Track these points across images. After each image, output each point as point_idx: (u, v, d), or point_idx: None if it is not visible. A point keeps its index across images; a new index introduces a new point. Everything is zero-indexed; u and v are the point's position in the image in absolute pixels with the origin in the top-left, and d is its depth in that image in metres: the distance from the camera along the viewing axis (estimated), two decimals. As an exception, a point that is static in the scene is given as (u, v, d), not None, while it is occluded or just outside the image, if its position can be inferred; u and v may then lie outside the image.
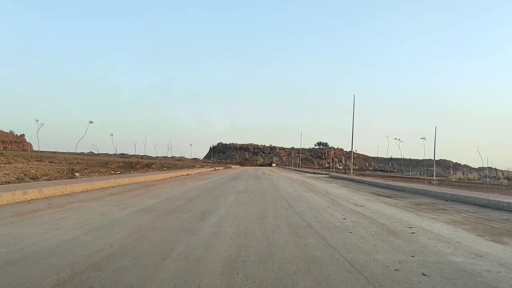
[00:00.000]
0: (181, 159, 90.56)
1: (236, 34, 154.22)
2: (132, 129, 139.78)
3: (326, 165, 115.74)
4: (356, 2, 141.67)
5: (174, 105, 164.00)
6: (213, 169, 34.61)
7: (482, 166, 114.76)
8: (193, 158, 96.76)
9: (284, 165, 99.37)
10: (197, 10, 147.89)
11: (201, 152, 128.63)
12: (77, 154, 77.66)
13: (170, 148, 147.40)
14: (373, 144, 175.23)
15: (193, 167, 33.93)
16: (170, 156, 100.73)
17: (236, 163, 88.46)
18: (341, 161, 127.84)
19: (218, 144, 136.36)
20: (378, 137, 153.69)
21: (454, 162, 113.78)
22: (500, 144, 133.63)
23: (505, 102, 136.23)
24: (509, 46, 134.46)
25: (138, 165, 33.84)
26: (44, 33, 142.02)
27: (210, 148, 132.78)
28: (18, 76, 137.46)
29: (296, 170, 51.39)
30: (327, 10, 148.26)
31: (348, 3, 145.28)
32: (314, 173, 38.96)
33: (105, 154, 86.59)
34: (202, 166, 37.90)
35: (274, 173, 31.53)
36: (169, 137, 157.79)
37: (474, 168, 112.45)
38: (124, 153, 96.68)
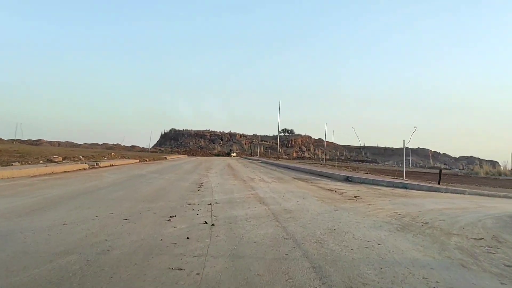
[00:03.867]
0: (112, 147, 69.72)
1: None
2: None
3: (294, 155, 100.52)
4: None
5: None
6: (85, 167, 15.00)
7: (462, 155, 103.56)
8: (131, 146, 76.39)
9: (246, 154, 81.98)
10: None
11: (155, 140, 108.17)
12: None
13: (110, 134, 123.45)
14: (341, 131, 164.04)
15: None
16: (101, 143, 79.91)
17: (184, 152, 69.59)
18: (309, 149, 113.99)
19: (170, 130, 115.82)
20: (347, 123, 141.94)
21: (433, 150, 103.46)
22: (477, 134, 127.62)
23: (482, 91, 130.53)
24: (479, 37, 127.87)
25: None
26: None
27: (161, 135, 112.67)
28: None
29: (276, 166, 25.65)
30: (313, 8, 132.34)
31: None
32: (348, 179, 13.18)
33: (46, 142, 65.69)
34: (71, 159, 18.73)
35: (238, 188, 8.62)
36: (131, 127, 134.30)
37: (455, 158, 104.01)
38: (62, 140, 74.81)
